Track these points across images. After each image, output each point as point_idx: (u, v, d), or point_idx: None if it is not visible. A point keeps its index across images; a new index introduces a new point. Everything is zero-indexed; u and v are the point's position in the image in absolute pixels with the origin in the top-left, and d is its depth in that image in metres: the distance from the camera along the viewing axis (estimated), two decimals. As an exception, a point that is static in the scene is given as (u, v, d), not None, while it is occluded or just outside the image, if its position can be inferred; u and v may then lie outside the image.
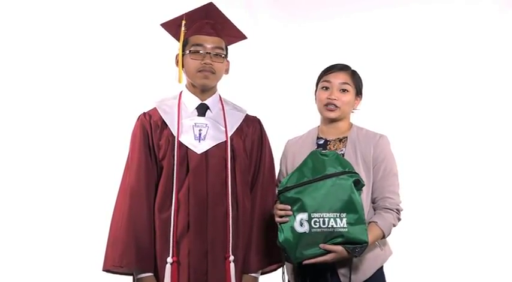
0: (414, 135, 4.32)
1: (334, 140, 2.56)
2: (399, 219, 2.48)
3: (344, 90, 2.54)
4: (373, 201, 2.49)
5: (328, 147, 2.55)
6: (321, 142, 2.58)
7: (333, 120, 2.57)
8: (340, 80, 2.54)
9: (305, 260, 2.31)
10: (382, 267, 2.50)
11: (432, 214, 4.28)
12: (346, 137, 2.55)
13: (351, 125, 2.60)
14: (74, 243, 3.87)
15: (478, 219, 4.26)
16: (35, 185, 3.90)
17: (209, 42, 2.48)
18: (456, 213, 4.29)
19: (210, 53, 2.47)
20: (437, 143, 4.39)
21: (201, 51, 2.47)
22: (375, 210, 2.48)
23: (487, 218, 4.27)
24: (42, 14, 3.96)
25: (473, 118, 4.39)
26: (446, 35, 4.41)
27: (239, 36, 2.61)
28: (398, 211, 2.47)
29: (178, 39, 2.53)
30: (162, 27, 2.55)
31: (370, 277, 2.45)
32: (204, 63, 2.46)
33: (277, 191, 2.38)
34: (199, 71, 2.47)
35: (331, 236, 2.27)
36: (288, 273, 2.52)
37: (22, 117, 3.93)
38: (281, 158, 2.68)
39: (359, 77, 2.60)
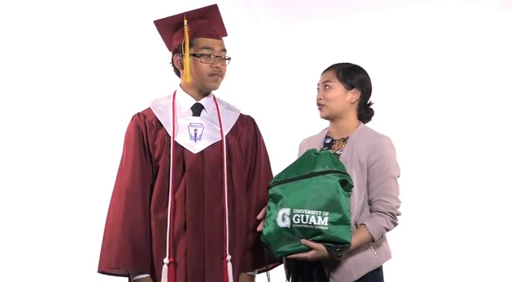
0: (414, 136, 4.30)
1: (339, 140, 2.58)
2: (395, 224, 2.46)
3: (326, 87, 2.57)
4: (369, 203, 2.48)
5: (332, 146, 2.57)
6: (328, 141, 2.61)
7: (332, 119, 2.60)
8: (324, 79, 2.59)
9: (286, 255, 2.34)
10: (376, 271, 2.47)
11: (435, 217, 4.28)
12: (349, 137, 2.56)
13: (358, 124, 2.60)
14: (66, 244, 3.85)
15: (480, 223, 4.26)
16: (27, 185, 3.87)
17: (217, 45, 2.49)
18: (460, 217, 4.28)
19: (219, 56, 2.49)
20: (436, 145, 4.39)
21: (211, 55, 2.48)
22: (371, 212, 2.47)
23: (489, 222, 4.26)
24: (35, 14, 3.93)
25: (474, 118, 4.38)
26: (446, 35, 4.41)
27: (224, 33, 2.60)
28: (392, 215, 2.44)
29: (164, 39, 2.54)
30: (155, 24, 2.52)
31: (359, 279, 2.43)
32: (216, 67, 2.47)
33: (268, 185, 2.41)
34: (211, 75, 2.48)
35: (311, 233, 2.28)
36: (284, 264, 2.55)
37: (15, 117, 3.89)
38: (298, 156, 2.70)
39: (350, 71, 2.59)
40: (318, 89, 2.62)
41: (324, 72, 2.63)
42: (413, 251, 4.03)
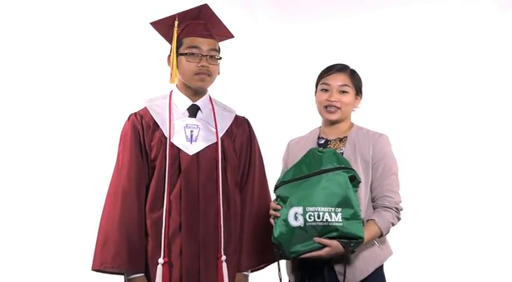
0: (414, 135, 4.32)
1: (335, 140, 2.57)
2: (399, 219, 2.47)
3: (343, 92, 2.54)
4: (372, 200, 2.49)
5: (328, 147, 2.56)
6: (322, 142, 2.59)
7: (334, 122, 2.57)
8: (340, 82, 2.54)
9: (300, 255, 2.31)
10: (381, 267, 2.49)
11: (434, 214, 4.28)
12: (346, 137, 2.55)
13: (351, 124, 2.61)
14: (61, 242, 3.81)
15: (479, 219, 4.26)
16: (22, 184, 3.82)
17: (205, 45, 2.49)
18: (458, 213, 4.28)
19: (206, 55, 2.48)
20: (437, 143, 4.39)
21: (197, 54, 2.47)
22: (374, 209, 2.47)
23: (488, 218, 4.26)
24: (31, 14, 3.89)
25: (474, 118, 4.38)
26: (446, 35, 4.41)
27: (228, 35, 2.61)
28: (397, 210, 2.46)
29: (167, 39, 2.54)
30: (152, 25, 2.54)
31: (368, 276, 2.44)
32: (201, 66, 2.47)
33: (274, 186, 2.40)
34: (196, 74, 2.48)
35: (326, 230, 2.27)
36: (287, 271, 2.54)
37: (10, 117, 3.83)
38: (283, 157, 2.70)
39: (358, 76, 2.60)
40: (325, 89, 2.55)
41: (333, 73, 2.56)
42: (410, 247, 4.02)
